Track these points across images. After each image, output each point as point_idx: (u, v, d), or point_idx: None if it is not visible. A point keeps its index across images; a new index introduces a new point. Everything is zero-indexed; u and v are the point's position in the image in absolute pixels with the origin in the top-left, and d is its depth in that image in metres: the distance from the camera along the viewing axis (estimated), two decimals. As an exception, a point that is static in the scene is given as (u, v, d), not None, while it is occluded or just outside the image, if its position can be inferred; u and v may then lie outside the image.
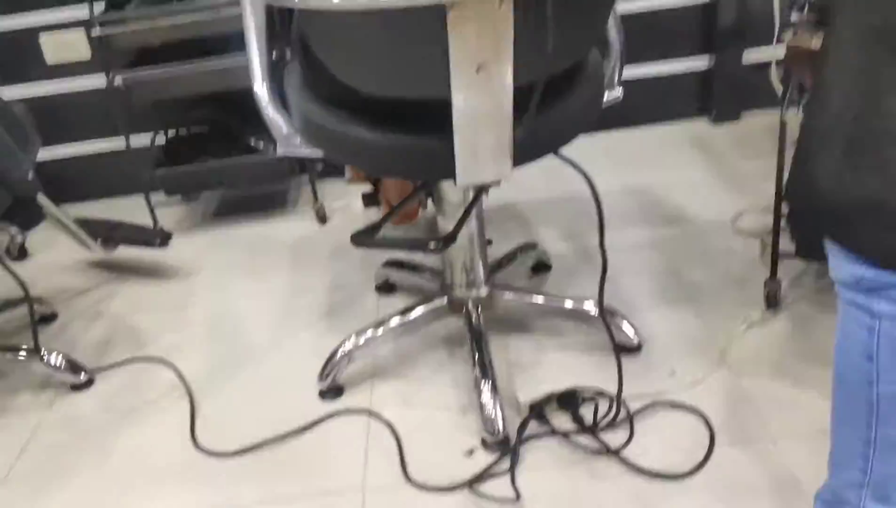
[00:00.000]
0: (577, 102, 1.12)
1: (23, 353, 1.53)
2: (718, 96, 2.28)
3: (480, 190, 1.29)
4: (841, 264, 0.77)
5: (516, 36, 0.95)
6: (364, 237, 1.17)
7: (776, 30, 2.13)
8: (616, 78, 1.31)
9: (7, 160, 1.20)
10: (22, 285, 1.28)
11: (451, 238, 1.19)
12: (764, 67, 2.25)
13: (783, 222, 1.43)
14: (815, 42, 1.12)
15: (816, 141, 0.74)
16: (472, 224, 1.36)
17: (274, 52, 1.31)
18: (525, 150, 1.08)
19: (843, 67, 0.71)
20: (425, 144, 1.06)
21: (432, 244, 1.15)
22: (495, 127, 1.03)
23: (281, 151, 1.25)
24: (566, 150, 1.19)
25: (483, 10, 0.91)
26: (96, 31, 1.82)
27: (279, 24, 1.80)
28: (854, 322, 0.78)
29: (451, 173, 1.07)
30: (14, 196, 1.24)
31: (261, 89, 1.26)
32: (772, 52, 2.18)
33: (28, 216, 1.32)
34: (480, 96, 0.99)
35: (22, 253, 2.09)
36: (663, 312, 1.52)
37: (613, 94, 1.29)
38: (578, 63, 1.19)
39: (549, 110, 1.09)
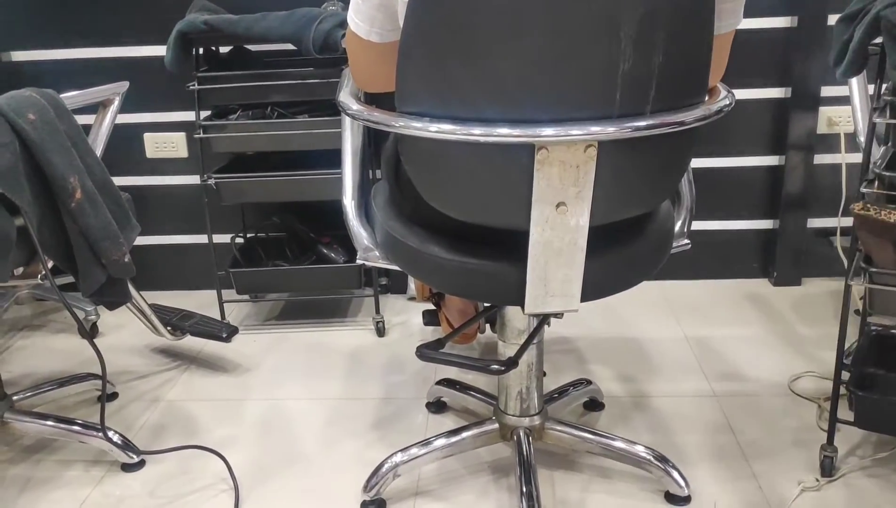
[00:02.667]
0: (647, 247, 1.17)
1: (82, 427, 1.57)
2: (781, 260, 2.31)
3: (545, 319, 1.34)
4: None
5: (597, 180, 1.01)
6: (429, 351, 1.21)
7: (842, 201, 2.19)
8: (685, 229, 1.37)
9: (109, 241, 1.29)
10: (101, 361, 1.34)
11: (513, 362, 1.22)
12: (828, 235, 2.31)
13: (842, 389, 1.42)
14: (884, 215, 1.16)
15: None
16: (532, 352, 1.39)
17: (363, 170, 1.41)
18: (593, 286, 1.12)
19: None
20: (499, 269, 1.12)
21: (495, 366, 1.19)
22: (568, 262, 1.08)
23: (360, 260, 1.32)
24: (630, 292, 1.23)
25: (569, 154, 0.99)
26: (198, 134, 1.97)
27: (371, 146, 1.93)
28: None
29: (520, 300, 1.12)
30: (108, 276, 1.33)
31: (349, 202, 1.35)
32: (836, 222, 2.24)
33: (115, 297, 1.40)
34: (557, 232, 1.05)
35: (93, 332, 2.18)
36: (715, 467, 1.50)
37: (681, 243, 1.34)
38: (652, 210, 1.24)
39: (620, 252, 1.14)
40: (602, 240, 1.11)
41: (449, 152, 1.04)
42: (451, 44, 0.96)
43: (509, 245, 1.10)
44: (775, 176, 2.28)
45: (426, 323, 1.85)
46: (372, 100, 1.34)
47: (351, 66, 1.17)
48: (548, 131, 0.96)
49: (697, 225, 2.33)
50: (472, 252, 1.13)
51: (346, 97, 1.17)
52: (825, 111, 2.19)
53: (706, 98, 1.10)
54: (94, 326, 2.19)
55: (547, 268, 1.08)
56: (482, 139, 0.97)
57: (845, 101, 2.12)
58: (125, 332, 2.17)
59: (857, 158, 2.11)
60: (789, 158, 2.22)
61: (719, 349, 1.96)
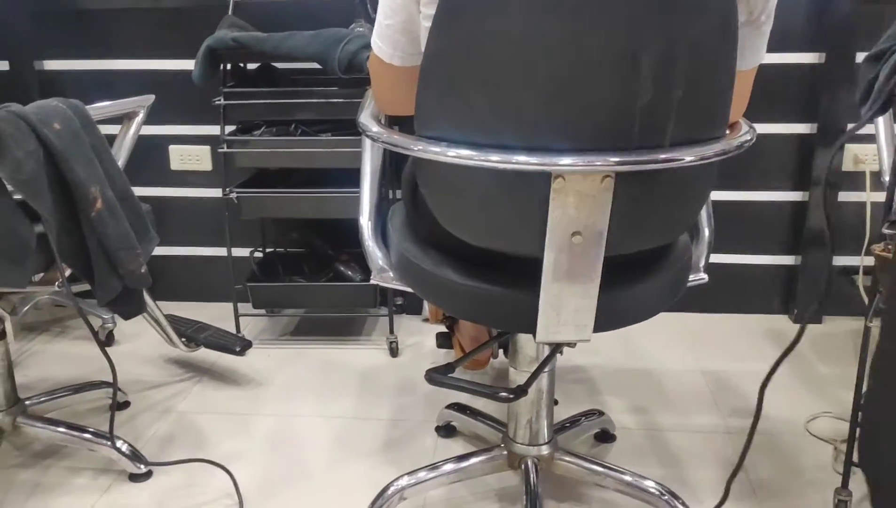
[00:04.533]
0: (663, 280, 1.16)
1: (93, 435, 1.58)
2: (802, 297, 2.28)
3: (557, 348, 1.33)
4: None
5: (614, 211, 1.01)
6: (438, 375, 1.21)
7: (866, 239, 2.16)
8: (702, 263, 1.35)
9: (126, 252, 1.31)
10: (113, 370, 1.35)
11: (523, 390, 1.21)
12: (851, 273, 2.28)
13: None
14: (905, 258, 1.15)
15: None
16: (543, 381, 1.38)
17: (381, 191, 1.41)
18: (607, 317, 1.11)
19: None
20: (512, 296, 1.11)
21: (504, 394, 1.18)
22: (581, 292, 1.07)
23: (374, 281, 1.32)
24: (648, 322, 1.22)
25: (585, 184, 0.98)
26: (222, 148, 1.99)
27: (391, 166, 1.93)
28: None
29: (531, 328, 1.11)
30: (124, 286, 1.34)
31: (366, 222, 1.35)
32: (859, 261, 2.21)
33: (130, 307, 1.41)
34: (571, 261, 1.04)
35: (109, 339, 2.20)
36: (725, 505, 1.47)
37: (698, 277, 1.32)
38: (670, 242, 1.23)
39: (635, 285, 1.13)
40: (617, 271, 1.10)
41: (466, 178, 1.04)
42: (470, 70, 0.96)
43: (523, 273, 1.09)
44: (799, 212, 2.26)
45: (439, 346, 1.84)
46: (394, 122, 1.35)
47: (373, 88, 1.17)
48: (564, 161, 0.95)
49: (719, 258, 2.30)
50: (485, 278, 1.13)
51: (366, 119, 1.18)
52: (851, 148, 2.17)
53: (727, 133, 1.09)
54: (111, 334, 2.21)
55: (560, 297, 1.07)
56: (498, 166, 0.97)
57: (872, 138, 2.08)
58: (141, 341, 2.19)
59: (882, 197, 2.09)
60: (813, 194, 2.20)
61: (735, 384, 1.94)
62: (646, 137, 0.96)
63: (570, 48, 0.91)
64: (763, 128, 2.19)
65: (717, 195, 2.24)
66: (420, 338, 2.22)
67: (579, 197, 0.99)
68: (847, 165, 2.19)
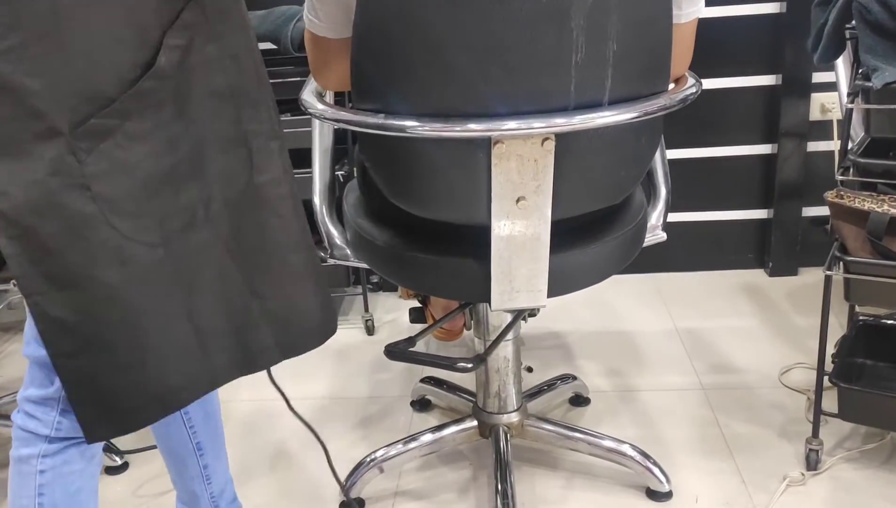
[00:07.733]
0: (616, 241, 1.15)
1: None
2: (776, 250, 2.28)
3: (518, 315, 1.32)
4: None
5: (557, 174, 0.99)
6: (397, 350, 1.20)
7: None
8: (661, 222, 1.34)
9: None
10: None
11: (481, 359, 1.21)
12: (824, 223, 2.27)
13: (827, 381, 1.40)
14: (858, 202, 1.14)
15: None
16: (507, 348, 1.37)
17: (337, 169, 1.40)
18: (561, 281, 1.11)
19: None
20: (464, 266, 1.10)
21: (461, 364, 1.17)
22: (532, 257, 1.06)
23: (332, 260, 1.31)
24: (613, 286, 1.21)
25: (526, 147, 0.97)
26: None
27: (351, 143, 1.91)
28: None
29: (486, 297, 1.10)
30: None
31: (319, 202, 1.34)
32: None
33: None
34: (519, 226, 1.03)
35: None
36: (699, 461, 1.48)
37: (656, 237, 1.32)
38: (624, 203, 1.22)
39: (587, 247, 1.12)
40: (568, 234, 1.10)
41: (406, 148, 1.03)
42: (403, 36, 0.94)
43: (474, 242, 1.08)
44: (769, 165, 2.25)
45: (412, 321, 1.83)
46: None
47: (310, 64, 1.15)
48: (501, 125, 0.94)
49: (691, 216, 2.30)
50: (435, 249, 1.12)
51: (308, 96, 1.16)
52: (818, 97, 2.16)
53: (670, 87, 1.08)
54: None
55: (511, 263, 1.07)
56: (432, 134, 0.96)
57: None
58: (116, 334, 2.17)
59: (850, 144, 2.08)
60: (782, 146, 2.19)
61: (710, 341, 1.94)
62: (584, 96, 0.95)
63: (498, 9, 0.89)
64: (728, 81, 2.17)
65: (685, 153, 2.23)
66: (397, 314, 2.21)
67: (521, 161, 0.98)
68: (814, 115, 2.17)
